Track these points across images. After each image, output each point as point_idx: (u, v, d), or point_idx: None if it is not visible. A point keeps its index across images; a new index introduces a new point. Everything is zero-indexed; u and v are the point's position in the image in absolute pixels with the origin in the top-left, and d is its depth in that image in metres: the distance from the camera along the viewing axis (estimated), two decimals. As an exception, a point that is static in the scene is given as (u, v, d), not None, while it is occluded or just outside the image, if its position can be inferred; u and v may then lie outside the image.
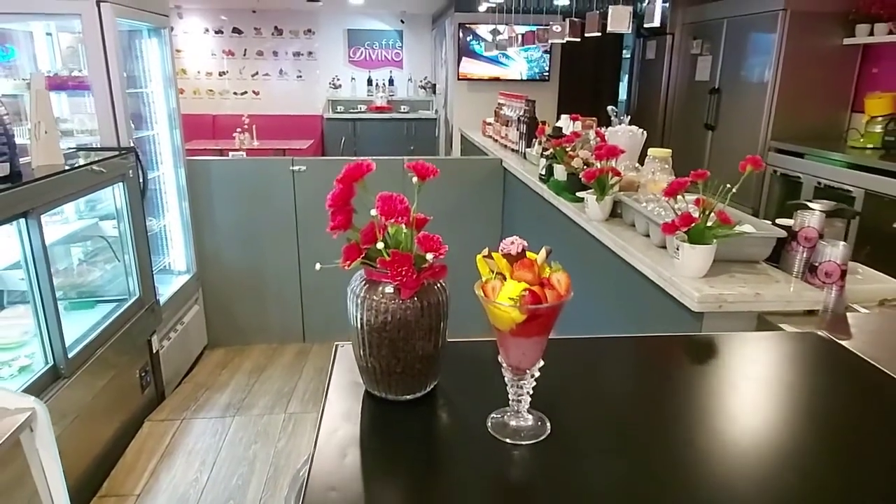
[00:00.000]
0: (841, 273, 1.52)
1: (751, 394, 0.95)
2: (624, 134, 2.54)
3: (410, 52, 8.61)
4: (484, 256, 0.78)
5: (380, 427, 0.83)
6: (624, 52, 7.44)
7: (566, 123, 3.25)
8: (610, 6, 2.95)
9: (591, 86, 7.39)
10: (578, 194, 2.29)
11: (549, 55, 6.77)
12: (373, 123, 8.23)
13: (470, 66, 6.76)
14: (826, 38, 4.18)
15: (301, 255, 3.64)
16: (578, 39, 3.77)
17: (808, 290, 1.52)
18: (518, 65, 6.82)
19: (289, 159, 3.54)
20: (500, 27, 5.49)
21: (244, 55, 8.35)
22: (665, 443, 0.81)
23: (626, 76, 7.05)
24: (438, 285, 0.85)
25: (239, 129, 6.43)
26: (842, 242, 1.55)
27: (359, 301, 0.83)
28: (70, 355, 2.18)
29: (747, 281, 1.56)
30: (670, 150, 2.21)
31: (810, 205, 1.76)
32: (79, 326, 2.38)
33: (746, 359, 1.07)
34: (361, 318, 0.83)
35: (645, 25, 2.88)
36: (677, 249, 1.57)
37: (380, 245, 0.79)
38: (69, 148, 2.59)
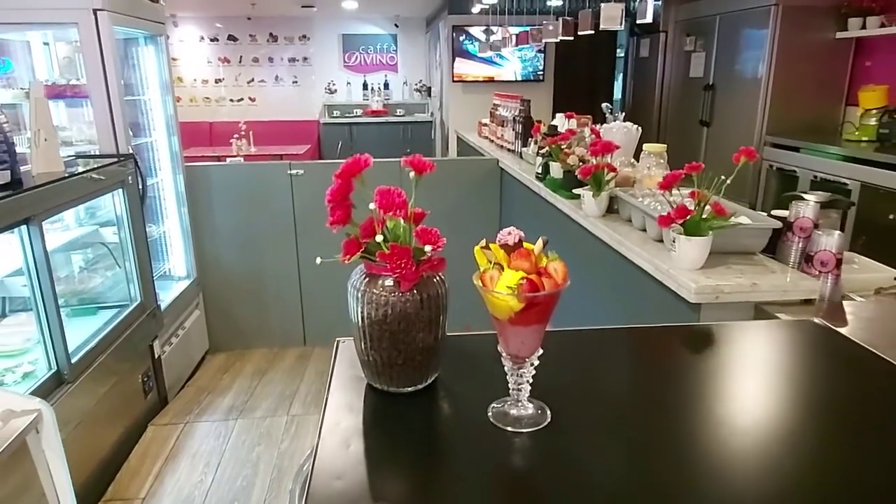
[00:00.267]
0: (836, 262, 1.54)
1: (748, 380, 0.96)
2: (619, 130, 2.56)
3: (405, 56, 8.63)
4: (481, 247, 0.79)
5: (382, 418, 0.84)
6: (618, 51, 7.47)
7: (561, 121, 3.27)
8: (602, 3, 2.97)
9: (586, 85, 7.41)
10: (575, 191, 2.31)
11: (543, 55, 6.78)
12: (369, 127, 8.25)
13: (464, 67, 6.78)
14: (819, 32, 4.21)
15: (300, 259, 3.65)
16: (572, 38, 3.79)
17: (804, 279, 1.53)
18: (512, 65, 6.84)
19: (286, 163, 3.56)
20: (494, 28, 5.51)
21: (240, 62, 8.38)
22: (664, 429, 0.82)
23: (621, 75, 7.07)
24: (437, 278, 0.86)
25: (236, 136, 6.42)
26: (837, 232, 1.56)
27: (359, 295, 0.84)
28: (73, 361, 2.19)
29: (744, 272, 1.57)
30: (665, 145, 2.23)
31: (805, 196, 1.78)
32: (81, 333, 2.39)
33: (744, 347, 1.08)
34: (362, 312, 0.84)
35: (638, 22, 2.90)
36: (674, 242, 1.59)
37: (379, 238, 0.81)
38: (68, 156, 2.61)
